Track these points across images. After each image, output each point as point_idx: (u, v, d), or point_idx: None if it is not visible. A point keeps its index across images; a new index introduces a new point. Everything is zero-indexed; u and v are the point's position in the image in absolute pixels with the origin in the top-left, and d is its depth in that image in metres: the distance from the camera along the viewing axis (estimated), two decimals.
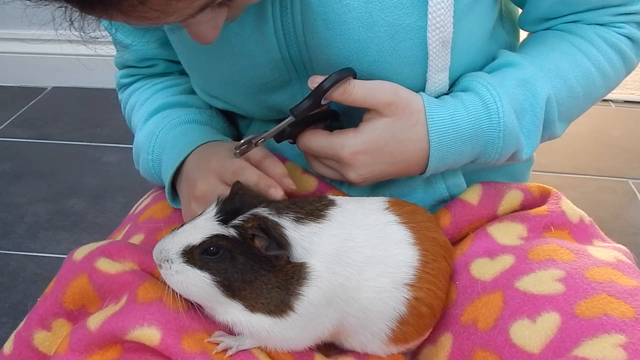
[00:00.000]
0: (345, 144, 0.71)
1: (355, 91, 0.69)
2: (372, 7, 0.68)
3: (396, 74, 0.72)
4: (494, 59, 0.79)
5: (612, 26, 0.79)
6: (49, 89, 2.64)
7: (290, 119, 0.71)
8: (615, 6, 0.78)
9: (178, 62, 0.90)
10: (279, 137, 0.74)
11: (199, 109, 0.89)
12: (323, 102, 0.71)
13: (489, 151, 0.74)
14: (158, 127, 0.85)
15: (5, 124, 2.37)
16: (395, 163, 0.73)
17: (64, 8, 0.51)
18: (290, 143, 0.75)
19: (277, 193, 0.70)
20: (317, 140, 0.73)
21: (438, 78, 0.73)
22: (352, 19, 0.69)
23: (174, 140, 0.82)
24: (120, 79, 0.98)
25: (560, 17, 0.80)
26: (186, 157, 0.79)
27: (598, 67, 0.78)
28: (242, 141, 0.71)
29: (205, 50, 0.76)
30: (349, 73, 0.70)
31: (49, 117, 2.43)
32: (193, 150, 0.79)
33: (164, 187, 0.87)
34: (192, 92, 0.91)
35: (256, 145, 0.72)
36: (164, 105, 0.89)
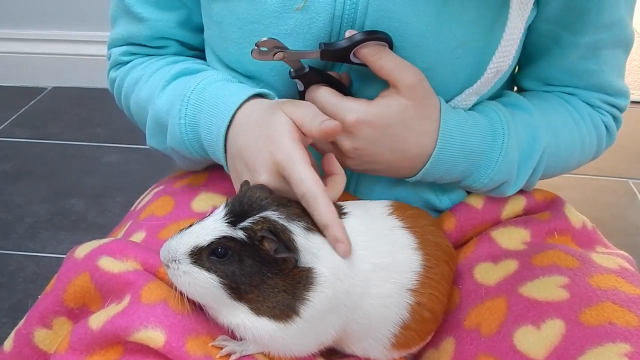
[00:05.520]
0: (354, 108, 0.69)
1: (386, 58, 0.69)
2: (442, 17, 0.69)
3: (441, 85, 0.73)
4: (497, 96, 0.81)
5: (598, 110, 0.83)
6: (49, 89, 2.63)
7: (317, 51, 0.70)
8: (607, 94, 0.83)
9: (191, 48, 0.88)
10: (298, 71, 0.71)
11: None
12: (352, 58, 0.70)
13: (481, 173, 0.75)
14: (187, 88, 0.75)
15: (5, 124, 2.37)
16: (394, 150, 0.72)
17: None
18: (299, 91, 0.73)
19: (347, 252, 0.62)
20: (327, 95, 0.71)
21: (469, 99, 0.75)
22: (420, 24, 0.69)
23: (213, 98, 0.74)
24: (119, 56, 0.89)
25: (560, 85, 0.83)
26: (234, 115, 0.71)
27: (582, 141, 0.82)
28: (265, 39, 0.66)
29: (252, 22, 0.73)
30: (386, 40, 0.69)
31: (49, 117, 2.42)
32: (240, 107, 0.71)
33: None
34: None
35: (274, 56, 0.67)
36: (186, 70, 0.81)
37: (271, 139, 0.66)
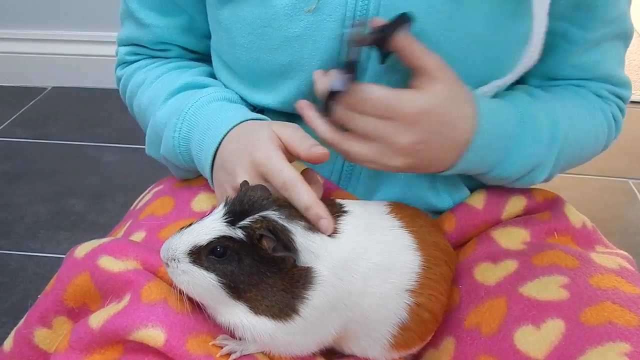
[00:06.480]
0: (414, 98, 0.65)
1: (418, 43, 0.66)
2: (456, 14, 0.69)
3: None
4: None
5: (605, 101, 0.84)
6: (49, 89, 2.63)
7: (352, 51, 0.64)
8: (613, 85, 0.84)
9: (193, 52, 0.89)
10: (348, 66, 0.65)
11: (227, 88, 0.82)
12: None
13: (514, 158, 0.73)
14: (185, 104, 0.77)
15: (5, 124, 2.37)
16: (448, 139, 0.68)
17: None
18: (347, 75, 0.66)
19: (329, 227, 0.62)
20: (379, 90, 0.65)
21: (492, 91, 0.74)
22: (434, 21, 0.69)
23: (208, 117, 0.75)
24: (124, 55, 0.92)
25: (566, 79, 0.83)
26: (224, 136, 0.72)
27: (595, 130, 0.82)
28: (360, 21, 0.64)
29: (262, 26, 0.73)
30: (408, 23, 0.65)
31: (49, 117, 2.42)
32: (232, 128, 0.72)
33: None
34: (209, 76, 0.87)
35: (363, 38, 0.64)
36: (188, 85, 0.82)
37: (251, 142, 0.68)
